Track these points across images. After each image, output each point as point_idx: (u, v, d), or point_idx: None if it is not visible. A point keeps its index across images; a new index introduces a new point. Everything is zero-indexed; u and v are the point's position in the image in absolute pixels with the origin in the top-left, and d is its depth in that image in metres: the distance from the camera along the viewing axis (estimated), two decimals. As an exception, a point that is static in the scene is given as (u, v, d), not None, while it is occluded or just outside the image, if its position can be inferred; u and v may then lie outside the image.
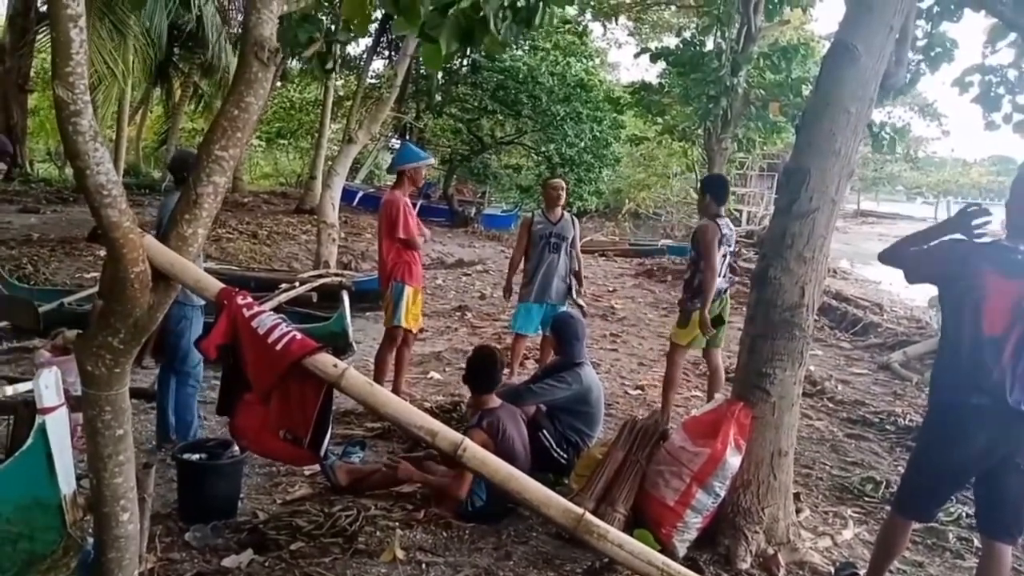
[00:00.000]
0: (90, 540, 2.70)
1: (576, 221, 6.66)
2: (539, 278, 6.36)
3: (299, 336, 2.48)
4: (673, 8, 21.65)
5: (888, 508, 4.49)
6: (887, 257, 3.34)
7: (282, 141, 29.27)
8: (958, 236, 3.10)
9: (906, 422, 6.12)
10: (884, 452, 5.63)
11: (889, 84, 4.06)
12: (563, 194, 6.57)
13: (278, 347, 2.41)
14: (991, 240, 3.13)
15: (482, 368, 4.24)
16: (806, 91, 12.09)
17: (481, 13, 2.97)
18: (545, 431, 4.51)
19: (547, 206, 6.57)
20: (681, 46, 14.39)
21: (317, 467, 4.12)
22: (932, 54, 5.78)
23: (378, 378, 5.63)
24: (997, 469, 3.03)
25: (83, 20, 1.92)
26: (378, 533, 3.61)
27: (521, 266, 6.60)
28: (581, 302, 6.56)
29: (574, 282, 6.50)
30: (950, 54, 5.90)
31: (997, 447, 3.00)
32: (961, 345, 3.01)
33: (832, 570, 3.64)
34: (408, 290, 5.68)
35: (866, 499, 4.68)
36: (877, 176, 44.39)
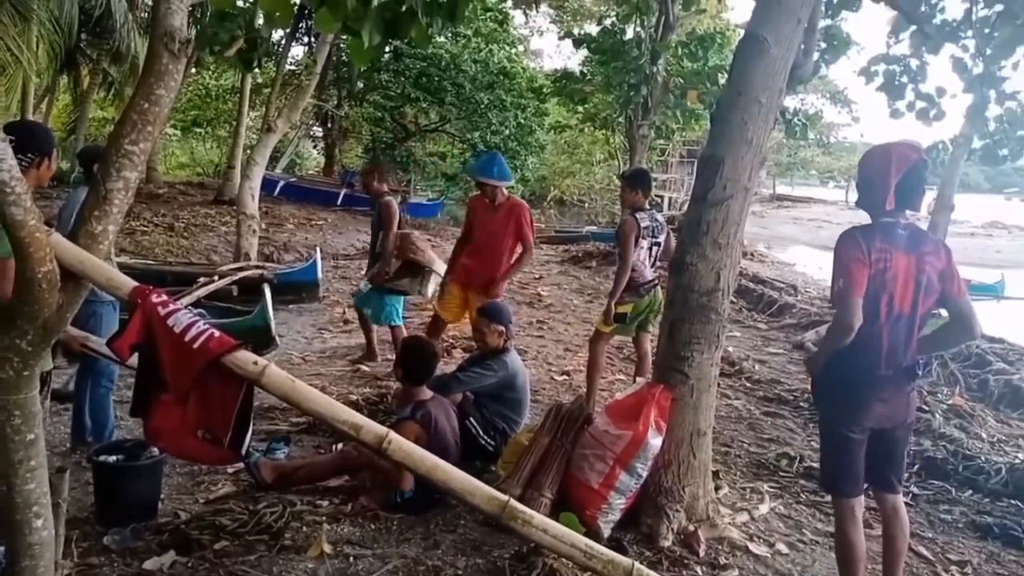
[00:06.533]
0: (1, 548, 2.61)
1: None
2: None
3: (217, 333, 2.44)
4: (594, -4, 21.88)
5: (802, 482, 4.74)
6: (844, 340, 3.09)
7: (198, 130, 28.34)
8: (853, 238, 3.10)
9: (812, 393, 6.39)
10: (798, 428, 5.87)
11: (798, 74, 4.21)
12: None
13: (195, 345, 2.37)
14: (872, 222, 3.17)
15: (416, 359, 4.25)
16: (723, 79, 12.41)
17: (404, 6, 2.95)
18: (472, 419, 4.54)
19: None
20: (602, 34, 14.56)
21: (241, 464, 4.06)
22: (834, 44, 5.99)
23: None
24: (894, 432, 3.21)
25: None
26: (304, 528, 3.58)
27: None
28: None
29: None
30: (846, 47, 6.13)
31: (897, 413, 3.17)
32: (876, 323, 3.06)
33: (748, 544, 3.79)
34: None
35: (781, 474, 4.88)
36: (791, 161, 45.89)
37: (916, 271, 3.07)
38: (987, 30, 5.31)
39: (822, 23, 5.76)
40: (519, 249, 6.00)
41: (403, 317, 6.77)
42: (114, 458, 3.76)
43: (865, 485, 3.29)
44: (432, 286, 6.50)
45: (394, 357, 6.54)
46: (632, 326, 5.70)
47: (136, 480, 3.70)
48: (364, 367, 6.71)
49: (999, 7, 5.06)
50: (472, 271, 6.01)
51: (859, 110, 53.47)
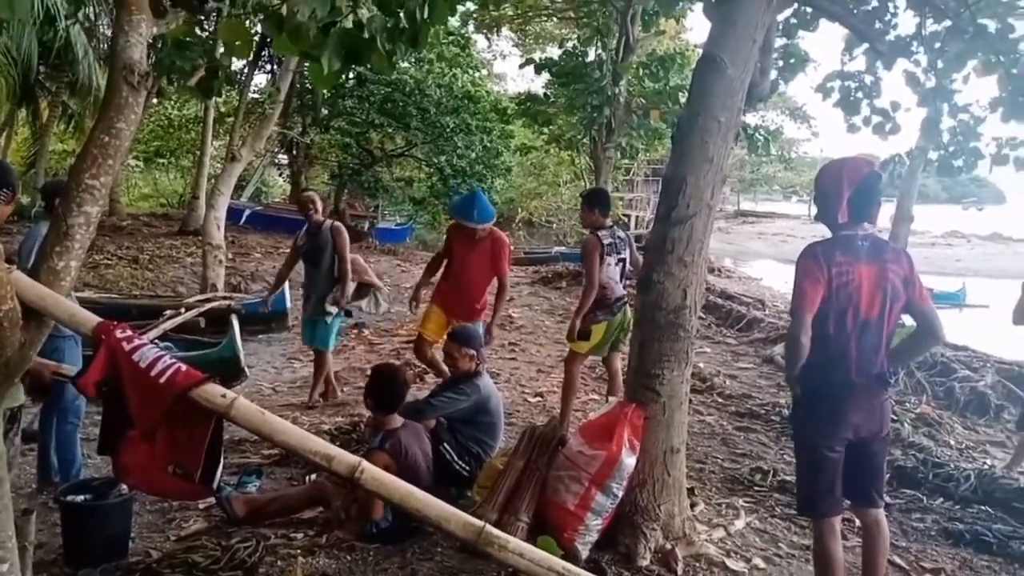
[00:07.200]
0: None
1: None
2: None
3: (184, 367, 2.41)
4: (555, 20, 22.10)
5: (776, 495, 4.76)
6: (798, 353, 3.17)
7: (161, 160, 28.03)
8: (809, 263, 3.15)
9: (790, 412, 6.44)
10: (771, 442, 5.92)
11: (756, 93, 4.29)
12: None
13: (162, 380, 2.34)
14: (832, 236, 3.23)
15: (385, 386, 4.20)
16: (684, 98, 12.59)
17: (365, 33, 2.97)
18: (446, 444, 4.51)
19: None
20: (564, 57, 14.75)
21: (212, 499, 4.00)
22: (790, 62, 6.12)
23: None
24: (871, 444, 3.22)
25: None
26: (279, 562, 3.52)
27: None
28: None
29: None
30: (804, 64, 6.27)
31: (872, 423, 3.18)
32: (842, 333, 3.10)
33: (725, 560, 3.80)
34: None
35: (755, 488, 4.90)
36: (754, 177, 46.64)
37: (880, 279, 3.12)
38: (937, 44, 5.44)
39: (780, 42, 5.88)
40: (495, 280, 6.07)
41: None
42: (82, 497, 3.67)
43: (846, 502, 3.30)
44: (384, 302, 7.26)
45: (322, 380, 6.61)
46: (606, 346, 5.71)
47: (105, 519, 3.62)
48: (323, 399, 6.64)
49: (947, 23, 5.19)
50: (450, 298, 6.04)
51: (818, 125, 54.61)
